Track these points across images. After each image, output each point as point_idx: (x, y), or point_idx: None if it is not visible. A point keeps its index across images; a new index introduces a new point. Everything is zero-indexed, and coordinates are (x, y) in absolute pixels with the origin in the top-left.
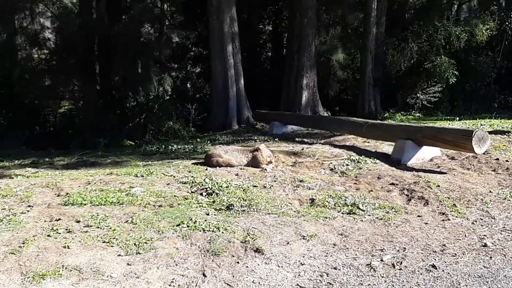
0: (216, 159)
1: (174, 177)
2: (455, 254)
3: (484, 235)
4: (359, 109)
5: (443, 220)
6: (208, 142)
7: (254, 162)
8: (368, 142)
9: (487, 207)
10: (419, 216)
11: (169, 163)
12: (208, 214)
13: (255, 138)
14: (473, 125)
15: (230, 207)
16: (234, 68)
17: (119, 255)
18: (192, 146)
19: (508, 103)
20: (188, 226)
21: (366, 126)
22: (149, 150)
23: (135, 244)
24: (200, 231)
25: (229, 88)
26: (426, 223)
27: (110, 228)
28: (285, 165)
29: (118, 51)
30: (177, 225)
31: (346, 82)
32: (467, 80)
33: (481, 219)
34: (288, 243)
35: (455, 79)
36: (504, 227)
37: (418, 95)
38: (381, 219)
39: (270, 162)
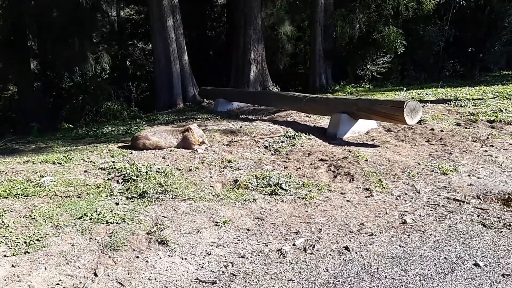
0: (143, 142)
1: (94, 163)
2: (372, 233)
3: (406, 211)
4: (311, 83)
5: (366, 197)
6: (146, 122)
7: (185, 143)
8: (310, 117)
9: (413, 180)
10: (342, 193)
11: (94, 147)
12: (117, 204)
13: (198, 116)
14: (418, 94)
15: (144, 195)
16: (176, 43)
17: (5, 255)
18: (126, 127)
19: (457, 71)
20: (91, 219)
21: (305, 100)
22: (80, 134)
23: (25, 243)
24: (103, 223)
25: (172, 65)
26: (348, 201)
27: (4, 224)
28: (221, 145)
29: (51, 28)
30: (79, 218)
31: (298, 55)
32: (416, 50)
33: (406, 194)
34: (198, 231)
35: (403, 49)
36: (427, 201)
37: (368, 66)
38: (303, 198)
39: (203, 142)
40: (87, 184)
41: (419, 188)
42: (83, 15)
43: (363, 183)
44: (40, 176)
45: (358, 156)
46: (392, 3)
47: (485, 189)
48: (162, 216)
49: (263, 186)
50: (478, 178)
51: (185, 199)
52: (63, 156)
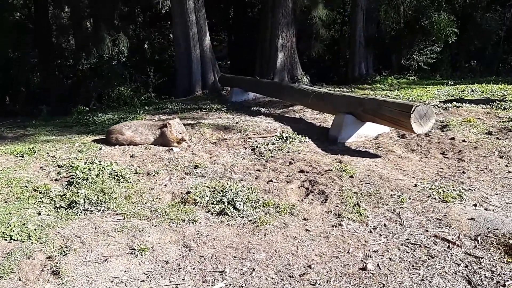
0: (116, 136)
1: (55, 158)
2: (316, 281)
3: (374, 251)
4: (349, 72)
5: (332, 226)
6: (153, 111)
7: (163, 140)
8: (323, 114)
9: (401, 207)
10: (305, 219)
11: (71, 138)
12: (39, 214)
13: (208, 106)
14: (462, 91)
15: (72, 205)
16: (197, 26)
17: None
18: (125, 115)
19: None
20: None
21: (312, 96)
22: (70, 121)
23: None
24: (7, 239)
25: (192, 49)
26: (307, 230)
27: None
28: (206, 143)
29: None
30: None
31: (334, 42)
32: (471, 39)
33: (384, 226)
34: (106, 260)
35: (455, 38)
36: (408, 239)
37: (414, 56)
38: (254, 222)
39: (182, 139)
40: (26, 186)
41: (404, 219)
42: None
43: (337, 206)
44: None
45: (344, 170)
46: None
47: (488, 227)
48: (76, 236)
49: (214, 202)
50: (485, 209)
51: (117, 214)
52: (29, 148)
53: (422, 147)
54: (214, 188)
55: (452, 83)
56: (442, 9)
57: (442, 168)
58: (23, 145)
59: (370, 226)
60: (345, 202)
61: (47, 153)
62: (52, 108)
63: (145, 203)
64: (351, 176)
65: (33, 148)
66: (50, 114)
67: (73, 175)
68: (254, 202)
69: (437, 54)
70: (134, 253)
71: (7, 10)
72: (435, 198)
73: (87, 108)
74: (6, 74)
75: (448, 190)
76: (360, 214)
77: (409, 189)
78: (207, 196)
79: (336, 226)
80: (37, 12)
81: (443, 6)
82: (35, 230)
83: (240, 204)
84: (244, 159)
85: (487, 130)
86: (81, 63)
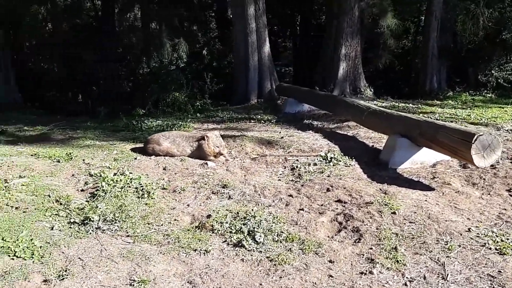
0: (153, 147)
1: (89, 165)
2: None
3: None
4: (419, 85)
5: (361, 273)
6: (204, 118)
7: (199, 153)
8: (378, 133)
9: (447, 256)
10: (331, 261)
11: (111, 145)
12: (52, 229)
13: (258, 117)
14: None
15: (86, 221)
16: (257, 34)
17: None
18: (174, 122)
19: None
20: (2, 247)
21: (366, 113)
22: (122, 125)
23: None
24: (10, 256)
25: (250, 57)
26: (330, 276)
27: None
28: (246, 158)
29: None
30: None
31: (403, 52)
32: None
33: (424, 278)
34: None
35: None
36: None
37: (493, 71)
38: (272, 260)
39: (220, 153)
40: (49, 196)
41: (449, 272)
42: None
43: (371, 248)
44: (19, 176)
45: (387, 204)
46: None
47: None
48: (79, 258)
49: (233, 231)
50: None
51: (128, 235)
52: (67, 153)
53: (485, 181)
54: (237, 213)
55: None
56: None
57: (505, 209)
58: (64, 149)
59: (406, 278)
60: (381, 244)
61: (83, 160)
62: (114, 108)
63: (161, 225)
64: (394, 213)
65: (71, 153)
66: (108, 115)
67: (98, 186)
68: (277, 235)
69: None
70: (133, 285)
71: (77, 13)
72: (490, 248)
73: (143, 111)
74: (74, 72)
75: (508, 239)
76: (397, 261)
77: (461, 234)
78: (226, 222)
79: (365, 274)
80: (104, 15)
81: None
82: (40, 247)
83: (260, 236)
84: (279, 180)
85: None
86: (141, 67)
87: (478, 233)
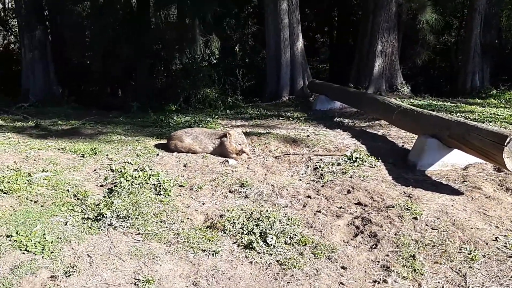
0: (175, 143)
1: (112, 160)
2: None
3: None
4: (460, 83)
5: (375, 282)
6: (233, 115)
7: (221, 150)
8: (408, 133)
9: (469, 267)
10: (343, 267)
11: (137, 140)
12: (66, 224)
13: (288, 114)
14: None
15: (99, 218)
16: (289, 29)
17: None
18: (202, 119)
19: None
20: (15, 241)
21: (396, 112)
22: (151, 121)
23: None
24: (21, 250)
25: (282, 53)
26: (341, 283)
27: None
28: (269, 156)
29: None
30: (7, 237)
31: (443, 49)
32: None
33: None
34: None
35: None
36: None
37: None
38: (281, 264)
39: (242, 151)
40: (68, 190)
41: (470, 284)
42: None
43: (387, 255)
44: (43, 170)
45: (409, 209)
46: None
47: None
48: (87, 255)
49: (245, 232)
50: None
51: (139, 233)
52: (91, 148)
53: None
54: (251, 213)
55: None
56: None
57: None
58: (90, 144)
59: None
60: (399, 251)
61: (107, 155)
62: (149, 104)
63: (173, 223)
64: (415, 218)
65: (96, 148)
66: (141, 110)
67: (117, 182)
68: (290, 238)
69: None
70: (137, 285)
71: (113, 8)
72: None
73: (175, 107)
74: (112, 67)
75: None
76: (414, 270)
77: (486, 244)
78: (239, 223)
79: (379, 283)
80: (139, 10)
81: None
82: (51, 242)
83: (272, 238)
84: (300, 180)
85: None
86: (174, 63)
87: (506, 243)
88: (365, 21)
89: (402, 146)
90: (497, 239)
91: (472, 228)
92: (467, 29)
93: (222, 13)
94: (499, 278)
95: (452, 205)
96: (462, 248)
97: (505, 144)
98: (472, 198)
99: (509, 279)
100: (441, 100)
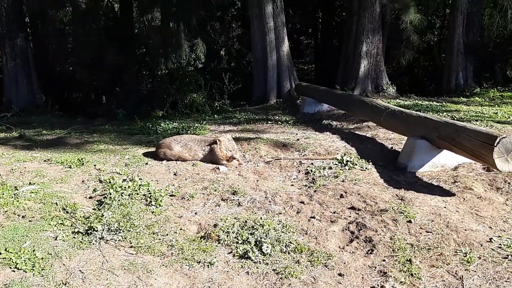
0: (164, 151)
1: (100, 171)
2: None
3: None
4: (444, 82)
5: None
6: (221, 120)
7: (212, 157)
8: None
9: (466, 269)
10: (340, 274)
11: (124, 149)
12: (55, 239)
13: (276, 118)
14: None
15: (90, 231)
16: (275, 32)
17: None
18: (190, 125)
19: None
20: (4, 258)
21: (384, 113)
22: (138, 128)
23: None
24: (11, 267)
25: (268, 56)
26: None
27: None
28: (259, 162)
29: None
30: None
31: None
32: None
33: None
34: None
35: None
36: None
37: None
38: (278, 273)
39: (232, 157)
40: (57, 203)
41: (467, 287)
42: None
43: (383, 260)
44: (29, 183)
45: (403, 212)
46: None
47: None
48: (79, 270)
49: (239, 241)
50: None
51: (131, 246)
52: (78, 159)
53: (510, 185)
54: (245, 222)
55: None
56: None
57: None
58: (77, 154)
59: None
60: (395, 255)
61: (94, 165)
62: (134, 110)
63: (166, 234)
64: (410, 221)
65: (83, 159)
66: (127, 117)
67: (106, 193)
68: (285, 246)
69: None
70: None
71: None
72: None
73: (162, 113)
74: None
75: None
76: (411, 274)
77: (481, 245)
78: (233, 232)
79: None
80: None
81: None
82: (42, 259)
83: (267, 246)
84: (292, 185)
85: None
86: (159, 68)
87: (500, 244)
88: (350, 23)
89: (392, 147)
90: (491, 240)
91: (466, 230)
92: (450, 28)
93: (206, 17)
94: (496, 280)
95: (445, 207)
96: (457, 251)
97: (495, 145)
98: (464, 199)
99: (506, 281)
100: (427, 99)
